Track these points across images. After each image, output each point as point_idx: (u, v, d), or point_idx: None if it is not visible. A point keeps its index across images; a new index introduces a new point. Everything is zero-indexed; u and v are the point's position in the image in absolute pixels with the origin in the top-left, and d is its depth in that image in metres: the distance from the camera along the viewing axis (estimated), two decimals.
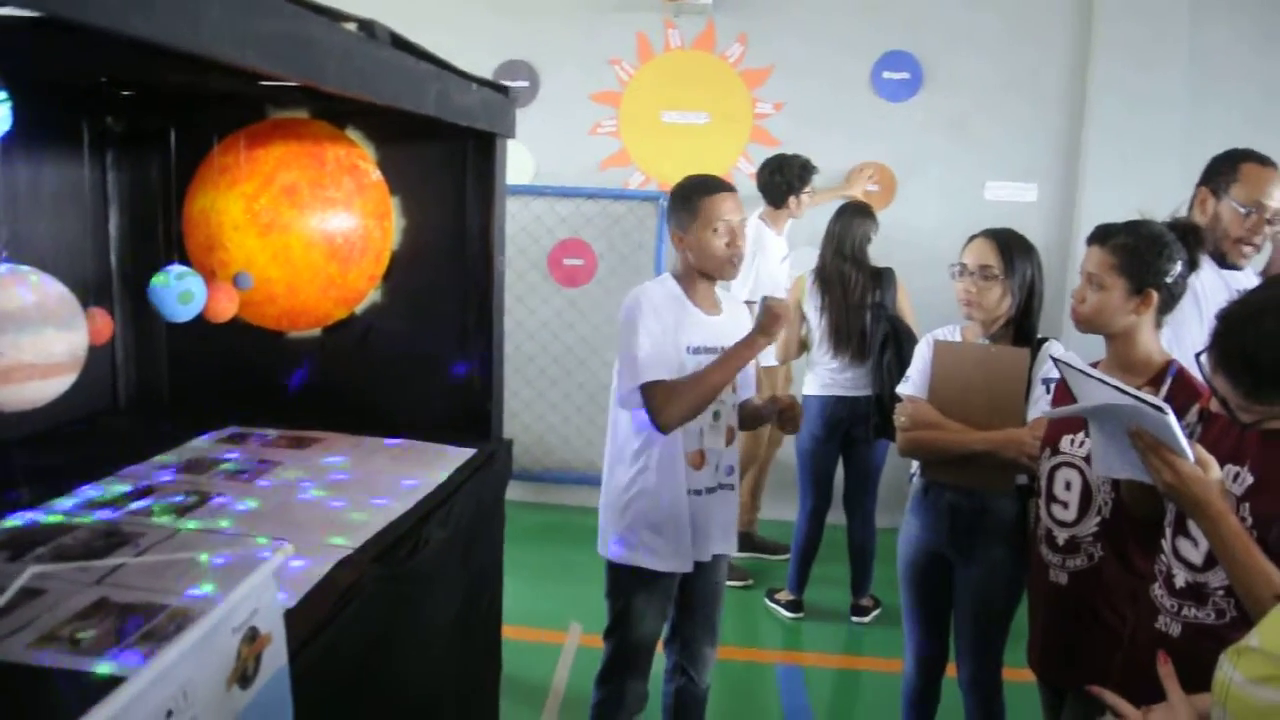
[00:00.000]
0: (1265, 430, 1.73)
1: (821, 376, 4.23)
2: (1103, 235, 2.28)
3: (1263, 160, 2.82)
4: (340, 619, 1.51)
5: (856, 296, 4.13)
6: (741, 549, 4.68)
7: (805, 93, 5.28)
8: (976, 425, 2.58)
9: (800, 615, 4.33)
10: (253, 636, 1.18)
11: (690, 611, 2.78)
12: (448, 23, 5.20)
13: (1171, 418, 1.68)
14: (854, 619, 4.32)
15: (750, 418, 2.76)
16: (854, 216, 4.19)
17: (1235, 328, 1.70)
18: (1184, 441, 1.69)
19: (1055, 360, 2.10)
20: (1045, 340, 2.62)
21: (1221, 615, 1.79)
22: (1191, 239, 2.32)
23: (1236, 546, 1.61)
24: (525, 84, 5.35)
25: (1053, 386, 2.48)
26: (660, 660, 2.85)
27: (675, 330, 2.51)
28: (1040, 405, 2.52)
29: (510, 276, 5.40)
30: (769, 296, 2.48)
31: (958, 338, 2.73)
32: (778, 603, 4.39)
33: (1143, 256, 2.21)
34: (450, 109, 1.89)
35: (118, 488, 1.97)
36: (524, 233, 5.38)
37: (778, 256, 4.61)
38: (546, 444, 5.57)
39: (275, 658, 1.23)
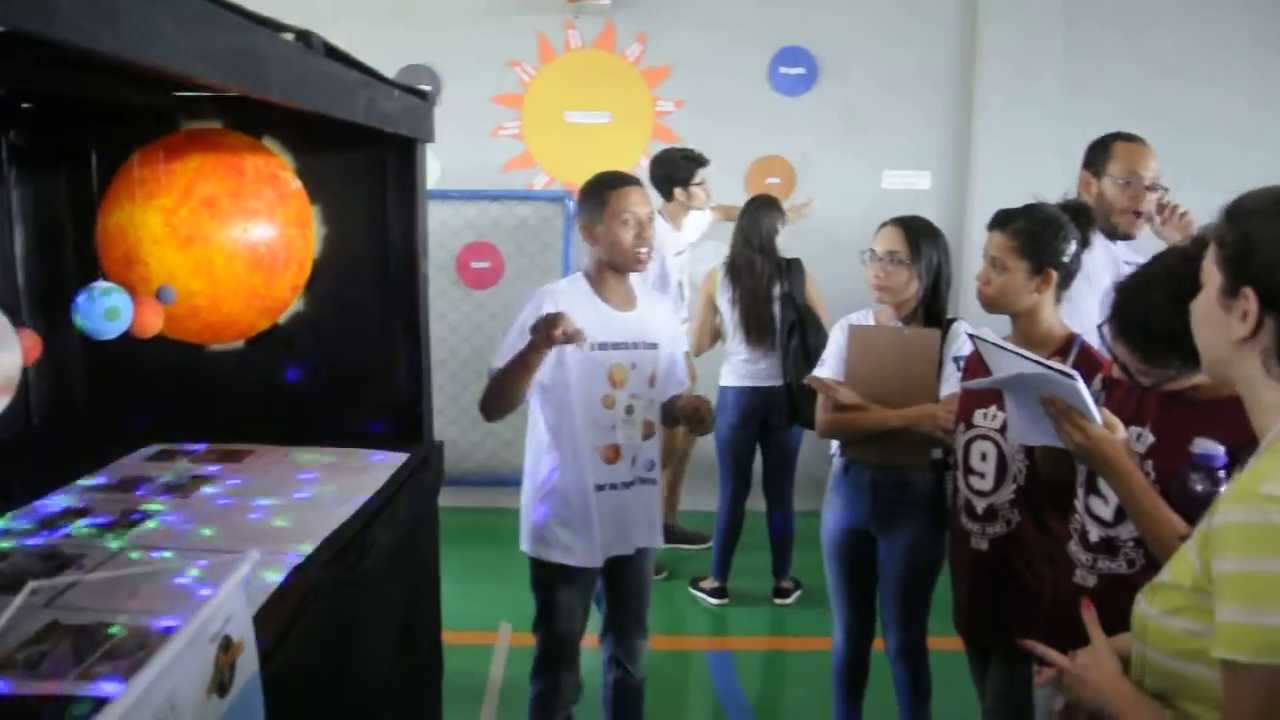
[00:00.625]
0: (1163, 393, 1.88)
1: (736, 367, 4.33)
2: (1003, 220, 2.41)
3: (1131, 138, 3.09)
4: (299, 625, 1.52)
5: (764, 287, 4.23)
6: (664, 541, 4.74)
7: (704, 89, 5.38)
8: (892, 404, 2.69)
9: (725, 601, 4.43)
10: (227, 645, 1.19)
11: (619, 604, 2.84)
12: (347, 28, 5.11)
13: (1080, 383, 1.81)
14: (777, 601, 4.43)
15: (668, 416, 2.82)
16: (760, 209, 4.30)
17: (1130, 299, 1.86)
18: (1092, 405, 1.81)
19: (971, 335, 2.21)
20: (954, 321, 2.74)
21: (1132, 565, 1.93)
22: (1083, 219, 2.47)
23: (1143, 499, 1.74)
24: (428, 88, 5.31)
25: (963, 364, 2.61)
26: (597, 653, 2.90)
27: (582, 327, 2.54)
28: (952, 383, 2.64)
29: None
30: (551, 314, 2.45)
31: (871, 322, 2.84)
32: (702, 590, 4.48)
33: (1040, 238, 2.35)
34: (378, 116, 1.91)
35: (50, 509, 1.93)
36: (430, 237, 5.32)
37: (672, 250, 4.60)
38: (460, 448, 5.54)
39: (248, 665, 1.24)
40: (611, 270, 2.62)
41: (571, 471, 2.62)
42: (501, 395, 2.53)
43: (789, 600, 4.43)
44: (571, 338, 2.34)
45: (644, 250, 2.60)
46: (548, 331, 2.34)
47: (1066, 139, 5.14)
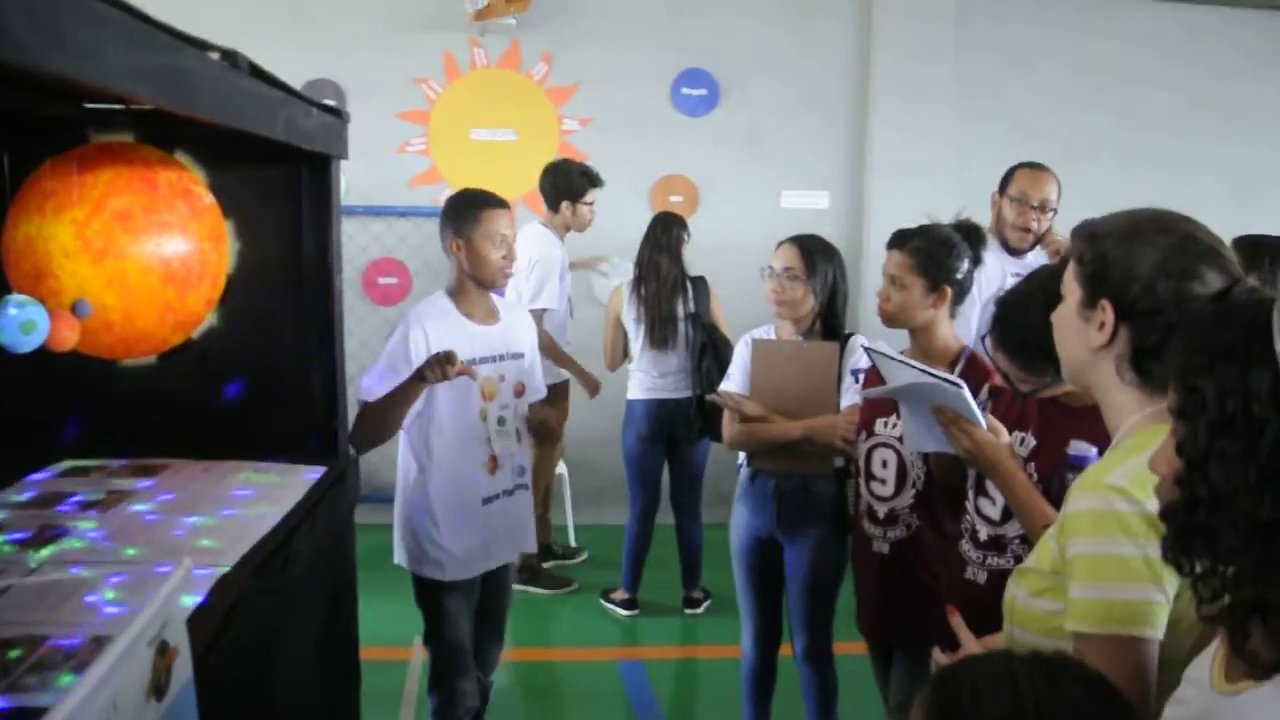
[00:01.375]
0: (1042, 399, 2.03)
1: (643, 381, 4.40)
2: (900, 240, 2.55)
3: (1034, 165, 3.57)
4: (228, 634, 1.54)
5: (669, 291, 4.26)
6: (543, 560, 4.78)
7: (609, 109, 5.49)
8: (795, 416, 2.80)
9: (635, 612, 4.50)
10: (164, 649, 1.21)
11: (485, 614, 2.92)
12: (252, 44, 5.07)
13: (965, 391, 1.94)
14: (687, 611, 4.52)
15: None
16: (670, 221, 4.38)
17: (1008, 312, 2.02)
18: (977, 412, 1.95)
19: (866, 348, 2.34)
20: (851, 335, 2.88)
21: (1019, 560, 2.06)
22: (974, 238, 2.63)
23: (1025, 498, 1.88)
24: (332, 103, 5.30)
25: (861, 376, 2.74)
26: None
27: (446, 344, 2.61)
28: (851, 394, 2.77)
29: None
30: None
31: (773, 336, 2.95)
32: (613, 602, 4.54)
33: (935, 257, 2.49)
34: (296, 133, 1.94)
35: None
36: None
37: (558, 262, 4.48)
38: (369, 463, 5.50)
39: (183, 669, 1.26)
40: (475, 285, 2.71)
41: (450, 487, 2.69)
42: (380, 428, 2.65)
43: (699, 610, 4.52)
44: (465, 373, 2.48)
45: (508, 270, 2.75)
46: (442, 370, 2.44)
47: (957, 162, 5.43)
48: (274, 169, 2.44)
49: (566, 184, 4.52)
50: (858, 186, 5.70)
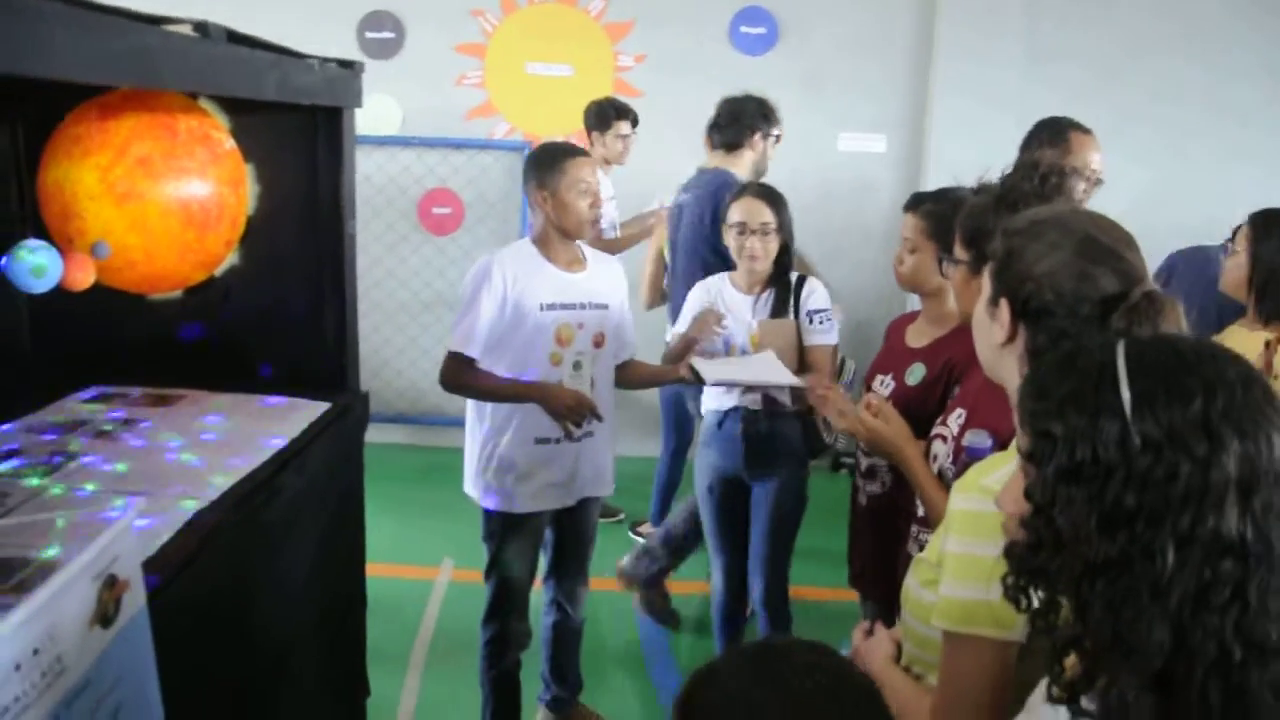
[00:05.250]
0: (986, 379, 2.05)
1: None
2: (915, 202, 2.55)
3: (1082, 129, 3.21)
4: (200, 563, 1.68)
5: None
6: None
7: (665, 46, 5.46)
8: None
9: None
10: (112, 583, 1.35)
11: (563, 552, 3.03)
12: None
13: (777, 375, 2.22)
14: None
15: (648, 379, 3.10)
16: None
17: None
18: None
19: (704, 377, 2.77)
20: (804, 278, 2.99)
21: (884, 486, 2.27)
22: None
23: (922, 483, 1.95)
24: (391, 35, 5.40)
25: (823, 319, 2.96)
26: (539, 595, 3.09)
27: (525, 287, 2.70)
28: (817, 334, 2.96)
29: (380, 226, 5.51)
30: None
31: (726, 286, 3.07)
32: (641, 535, 4.67)
33: (949, 221, 2.49)
34: (291, 91, 2.03)
35: None
36: (393, 183, 5.47)
37: (608, 194, 4.61)
38: (420, 389, 5.71)
39: (134, 600, 1.40)
40: (561, 234, 2.77)
41: (520, 425, 2.78)
42: (476, 397, 2.82)
43: None
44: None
45: (595, 219, 2.80)
46: (576, 419, 2.69)
47: (1024, 105, 5.27)
48: (292, 115, 2.54)
49: (595, 117, 4.64)
50: (917, 131, 5.60)
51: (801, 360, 2.96)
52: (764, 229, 2.88)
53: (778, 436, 2.99)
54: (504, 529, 2.86)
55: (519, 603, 2.93)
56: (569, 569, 3.06)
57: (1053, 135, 3.20)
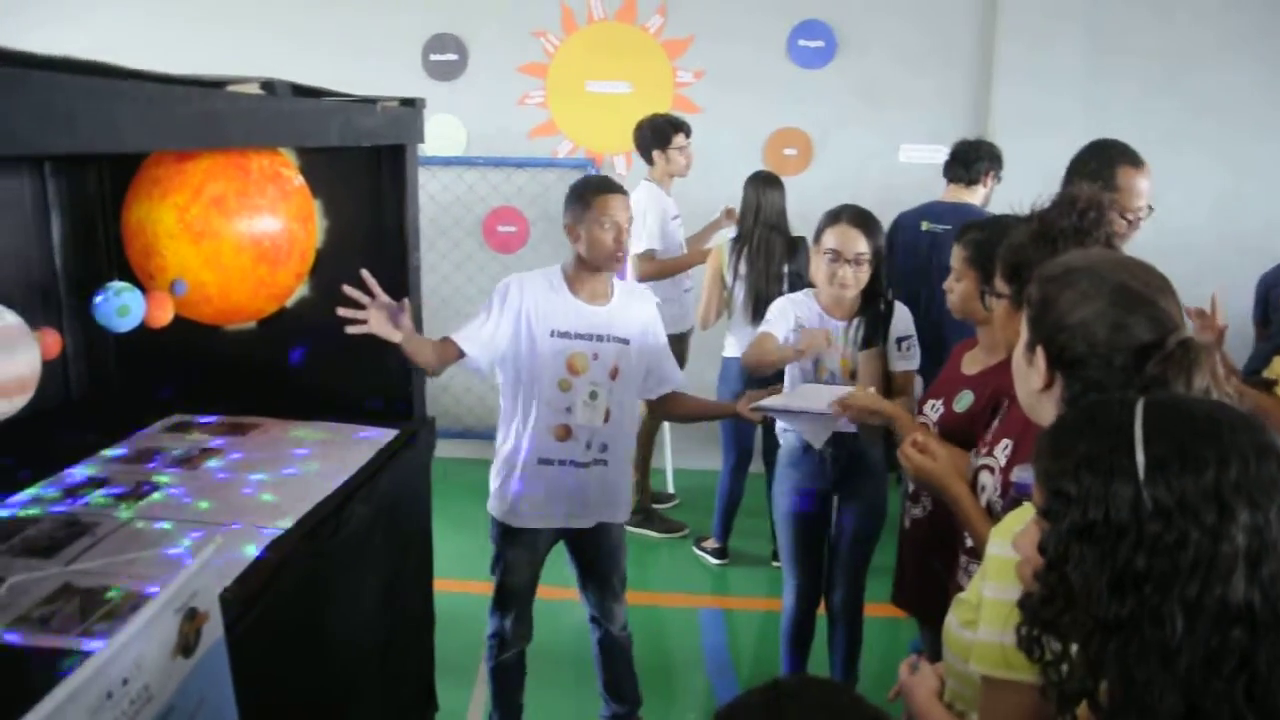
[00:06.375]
0: None
1: (742, 340, 4.47)
2: (961, 231, 2.56)
3: (1131, 159, 2.91)
4: (273, 592, 1.77)
5: (777, 266, 4.36)
6: (640, 527, 4.92)
7: (724, 61, 5.49)
8: None
9: (725, 561, 4.66)
10: (192, 615, 1.43)
11: (587, 572, 3.11)
12: (375, 2, 5.35)
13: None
14: (774, 564, 4.63)
15: (699, 413, 3.22)
16: (766, 184, 4.40)
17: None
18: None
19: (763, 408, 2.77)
20: (892, 303, 2.99)
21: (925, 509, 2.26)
22: None
23: (968, 518, 1.92)
24: (454, 57, 5.52)
25: (910, 345, 2.95)
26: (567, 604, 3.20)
27: (539, 313, 2.79)
28: (902, 360, 2.98)
29: (447, 244, 5.64)
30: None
31: (811, 304, 3.07)
32: (704, 550, 4.71)
33: (991, 251, 2.48)
34: (355, 134, 2.11)
35: (75, 479, 2.20)
36: (458, 202, 5.58)
37: (669, 214, 4.72)
38: (487, 404, 5.81)
39: (213, 631, 1.49)
40: (587, 268, 2.83)
41: (523, 443, 2.87)
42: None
43: None
44: None
45: (620, 253, 2.83)
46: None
47: (1085, 118, 5.21)
48: (358, 151, 2.63)
49: (652, 134, 4.68)
50: None
51: (888, 385, 2.98)
52: (858, 259, 2.89)
53: (865, 455, 3.05)
54: (502, 537, 2.99)
55: (516, 605, 3.04)
56: (594, 586, 3.14)
57: (1099, 166, 2.90)
